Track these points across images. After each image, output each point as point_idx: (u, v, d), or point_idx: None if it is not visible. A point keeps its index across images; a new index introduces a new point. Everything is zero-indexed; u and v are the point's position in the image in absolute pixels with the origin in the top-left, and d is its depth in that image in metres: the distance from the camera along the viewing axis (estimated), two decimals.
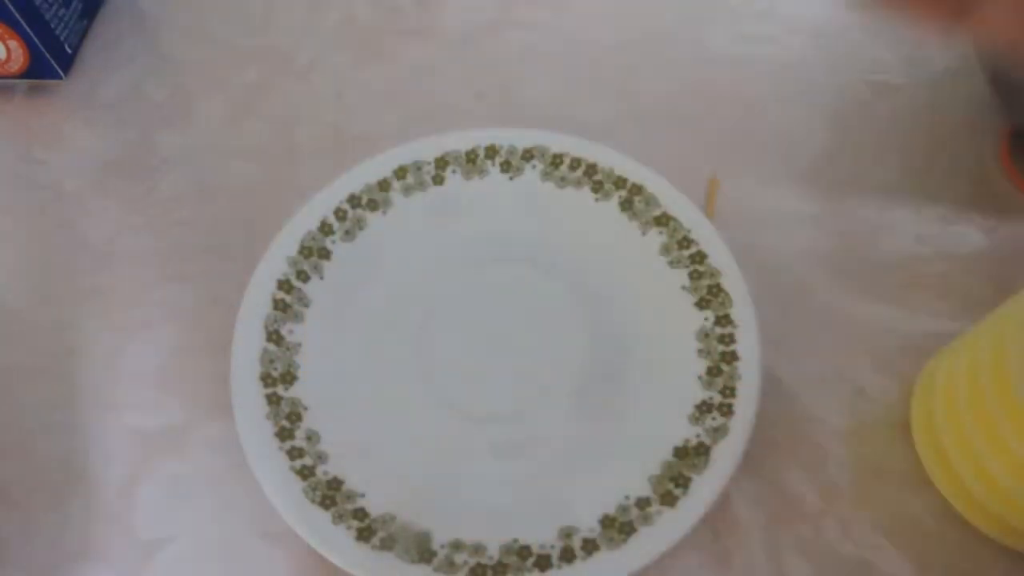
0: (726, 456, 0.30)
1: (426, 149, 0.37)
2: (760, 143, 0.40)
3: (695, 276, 0.34)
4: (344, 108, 0.42)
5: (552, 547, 0.29)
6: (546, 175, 0.37)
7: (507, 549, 0.29)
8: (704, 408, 0.31)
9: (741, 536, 0.31)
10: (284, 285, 0.34)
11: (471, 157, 0.37)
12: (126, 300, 0.37)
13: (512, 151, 0.37)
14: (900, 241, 0.37)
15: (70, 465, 0.33)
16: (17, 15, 0.40)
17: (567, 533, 0.29)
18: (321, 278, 0.35)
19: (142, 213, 0.39)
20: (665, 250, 0.35)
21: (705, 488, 0.29)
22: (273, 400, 0.32)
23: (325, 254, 0.35)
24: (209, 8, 0.47)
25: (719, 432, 0.30)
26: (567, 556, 0.28)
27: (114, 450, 0.33)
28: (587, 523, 0.29)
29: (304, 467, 0.30)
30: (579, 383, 0.33)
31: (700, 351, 0.32)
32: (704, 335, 0.33)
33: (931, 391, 0.31)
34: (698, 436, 0.30)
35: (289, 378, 0.32)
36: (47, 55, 0.42)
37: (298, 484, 0.30)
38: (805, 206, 0.38)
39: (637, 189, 0.36)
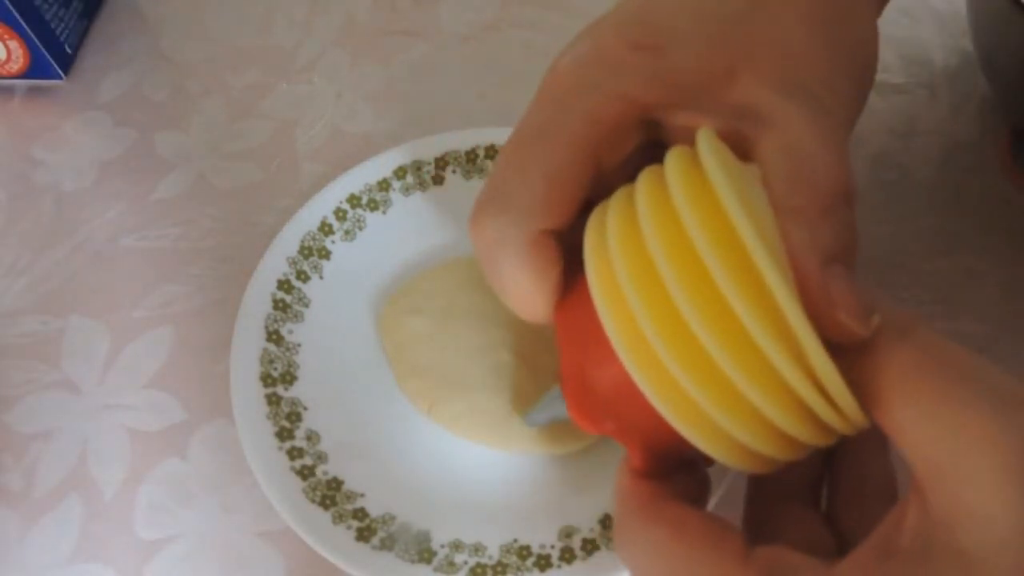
0: None
1: (426, 149, 0.37)
2: None
3: None
4: (344, 108, 0.42)
5: (552, 547, 0.29)
6: None
7: (507, 549, 0.29)
8: None
9: None
10: (284, 285, 0.34)
11: (471, 157, 0.37)
12: (126, 300, 0.37)
13: None
14: (898, 240, 0.37)
15: (70, 465, 0.33)
16: (17, 15, 0.40)
17: (567, 533, 0.29)
18: (321, 278, 0.35)
19: (142, 213, 0.39)
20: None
21: None
22: (273, 400, 0.32)
23: (325, 254, 0.35)
24: (209, 8, 0.47)
25: None
26: (567, 556, 0.28)
27: (114, 450, 0.33)
28: (587, 523, 0.29)
29: (304, 467, 0.30)
30: None
31: None
32: None
33: None
34: None
35: (289, 378, 0.32)
36: (47, 55, 0.42)
37: (298, 484, 0.30)
38: None
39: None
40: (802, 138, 0.20)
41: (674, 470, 0.21)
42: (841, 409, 0.18)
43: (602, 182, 0.22)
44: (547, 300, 0.22)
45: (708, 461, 0.20)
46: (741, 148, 0.21)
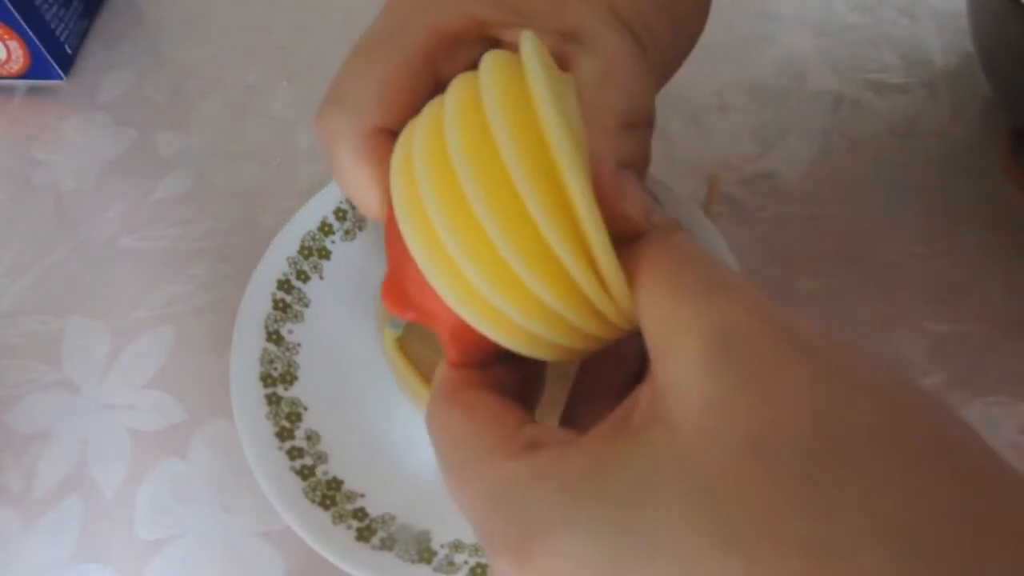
0: None
1: None
2: (760, 142, 0.40)
3: None
4: None
5: None
6: None
7: None
8: None
9: None
10: (284, 285, 0.34)
11: None
12: (126, 300, 0.37)
13: None
14: (899, 240, 0.37)
15: (70, 465, 0.33)
16: (17, 15, 0.40)
17: None
18: (321, 278, 0.35)
19: (142, 213, 0.39)
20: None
21: None
22: (273, 400, 0.32)
23: (325, 254, 0.35)
24: (209, 8, 0.47)
25: None
26: None
27: (114, 450, 0.33)
28: None
29: (304, 467, 0.30)
30: None
31: None
32: None
33: None
34: None
35: (289, 378, 0.32)
36: (47, 55, 0.42)
37: (298, 484, 0.30)
38: (805, 205, 0.38)
39: None
40: (616, 62, 0.23)
41: (490, 362, 0.22)
42: (612, 294, 0.19)
43: (439, 90, 0.23)
44: (380, 194, 0.23)
45: (533, 360, 0.22)
46: (562, 66, 0.23)
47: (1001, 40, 0.35)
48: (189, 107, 0.43)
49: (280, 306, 0.34)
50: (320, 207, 0.36)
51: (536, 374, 0.23)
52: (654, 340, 0.18)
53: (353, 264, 0.36)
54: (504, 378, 0.22)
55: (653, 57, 0.25)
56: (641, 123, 0.23)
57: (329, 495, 0.30)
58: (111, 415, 0.34)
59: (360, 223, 0.36)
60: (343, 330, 0.34)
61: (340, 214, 0.36)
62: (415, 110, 0.22)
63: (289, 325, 0.34)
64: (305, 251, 0.35)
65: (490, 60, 0.20)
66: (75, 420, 0.34)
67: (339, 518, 0.29)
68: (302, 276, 0.35)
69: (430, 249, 0.20)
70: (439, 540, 0.29)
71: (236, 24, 0.46)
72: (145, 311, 0.37)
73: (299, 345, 0.33)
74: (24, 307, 0.37)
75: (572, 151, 0.18)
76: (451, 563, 0.28)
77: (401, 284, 0.22)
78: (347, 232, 0.36)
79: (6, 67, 0.43)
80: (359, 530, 0.29)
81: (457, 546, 0.29)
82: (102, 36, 0.46)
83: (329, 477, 0.30)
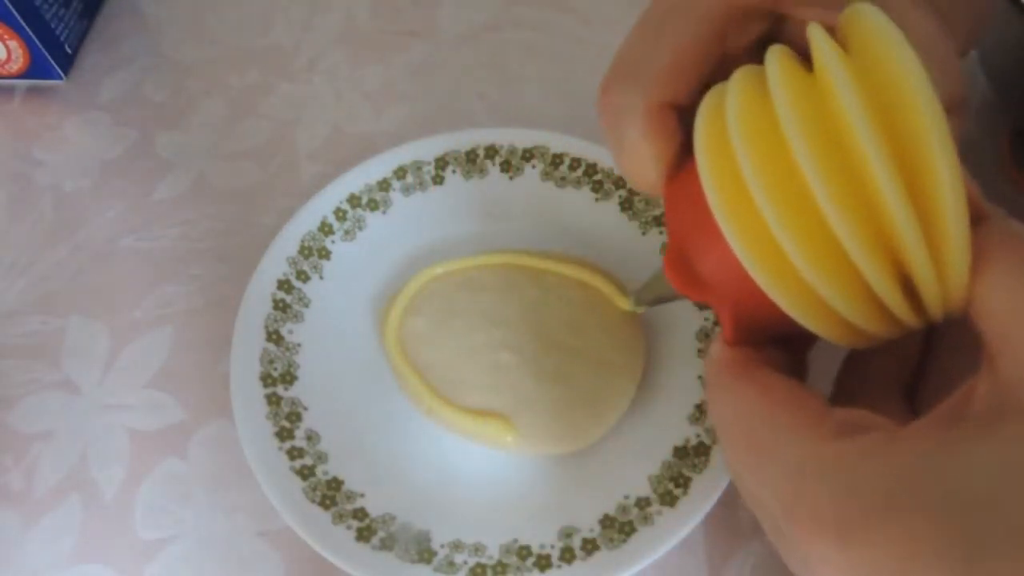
0: None
1: (426, 149, 0.37)
2: None
3: None
4: (344, 108, 0.42)
5: (552, 547, 0.29)
6: (546, 175, 0.37)
7: (507, 549, 0.29)
8: (704, 408, 0.31)
9: (741, 536, 0.31)
10: (284, 285, 0.34)
11: (471, 157, 0.37)
12: (126, 300, 0.37)
13: (512, 151, 0.37)
14: None
15: (70, 465, 0.33)
16: (17, 15, 0.40)
17: (567, 533, 0.29)
18: (321, 278, 0.35)
19: (142, 213, 0.39)
20: (665, 250, 0.35)
21: (705, 488, 0.29)
22: (273, 400, 0.32)
23: (325, 254, 0.36)
24: (209, 8, 0.47)
25: None
26: (567, 556, 0.28)
27: (114, 450, 0.33)
28: (587, 523, 0.29)
29: (304, 467, 0.30)
30: None
31: (700, 351, 0.32)
32: (704, 335, 0.33)
33: None
34: (698, 436, 0.30)
35: (289, 378, 0.32)
36: (47, 55, 0.42)
37: (298, 484, 0.30)
38: None
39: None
40: (928, 43, 0.21)
41: (764, 344, 0.22)
42: (948, 277, 0.18)
43: (724, 66, 0.23)
44: (660, 170, 0.23)
45: (801, 344, 0.22)
46: None
47: (1001, 40, 0.35)
48: (189, 107, 0.43)
49: (280, 306, 0.34)
50: (320, 207, 0.36)
51: (803, 358, 0.23)
52: (1000, 327, 0.17)
53: (353, 264, 0.36)
54: (779, 360, 0.22)
55: (956, 39, 0.24)
56: (956, 105, 0.22)
57: (329, 495, 0.30)
58: (111, 415, 0.34)
59: (360, 223, 0.36)
60: (343, 330, 0.34)
61: (340, 214, 0.36)
62: (705, 86, 0.22)
63: (289, 325, 0.34)
64: (305, 251, 0.35)
65: (826, 39, 0.19)
66: (75, 420, 0.34)
67: (339, 518, 0.29)
68: (302, 276, 0.35)
69: (737, 212, 0.19)
70: (439, 540, 0.29)
71: (236, 24, 0.46)
72: (145, 311, 0.37)
73: (299, 345, 0.33)
74: (24, 307, 0.37)
75: (942, 119, 0.17)
76: (451, 563, 0.28)
77: (686, 258, 0.22)
78: (347, 232, 0.36)
79: (6, 67, 0.43)
80: (359, 530, 0.29)
81: (457, 546, 0.29)
82: (102, 36, 0.46)
83: (329, 477, 0.30)
